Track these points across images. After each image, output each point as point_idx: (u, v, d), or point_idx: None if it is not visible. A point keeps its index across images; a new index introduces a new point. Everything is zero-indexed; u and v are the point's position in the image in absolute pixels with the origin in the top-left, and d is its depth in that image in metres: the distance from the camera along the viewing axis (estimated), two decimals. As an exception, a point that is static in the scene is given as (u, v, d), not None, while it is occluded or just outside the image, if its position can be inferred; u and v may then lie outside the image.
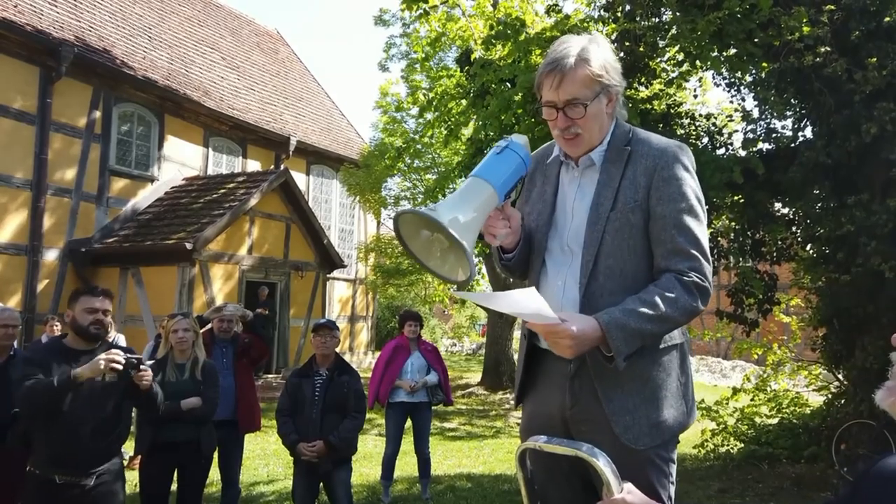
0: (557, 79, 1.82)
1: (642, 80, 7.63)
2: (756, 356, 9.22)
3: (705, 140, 8.06)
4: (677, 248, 1.81)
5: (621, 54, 7.09)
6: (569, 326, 1.66)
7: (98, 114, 12.55)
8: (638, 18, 7.19)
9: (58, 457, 3.26)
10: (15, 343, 4.46)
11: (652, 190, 1.85)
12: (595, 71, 1.83)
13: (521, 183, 1.88)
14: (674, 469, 1.89)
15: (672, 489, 1.87)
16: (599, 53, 1.86)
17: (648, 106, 7.52)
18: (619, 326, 1.70)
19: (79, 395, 3.23)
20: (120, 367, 3.18)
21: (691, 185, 1.87)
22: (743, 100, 8.44)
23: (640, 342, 1.75)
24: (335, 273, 16.54)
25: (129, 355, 3.29)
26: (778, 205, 8.15)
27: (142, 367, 3.34)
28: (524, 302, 1.62)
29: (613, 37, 7.30)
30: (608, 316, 1.72)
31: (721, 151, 7.89)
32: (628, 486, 1.42)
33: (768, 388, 8.58)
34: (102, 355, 3.20)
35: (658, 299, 1.75)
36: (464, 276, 1.76)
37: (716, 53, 7.01)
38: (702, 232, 1.85)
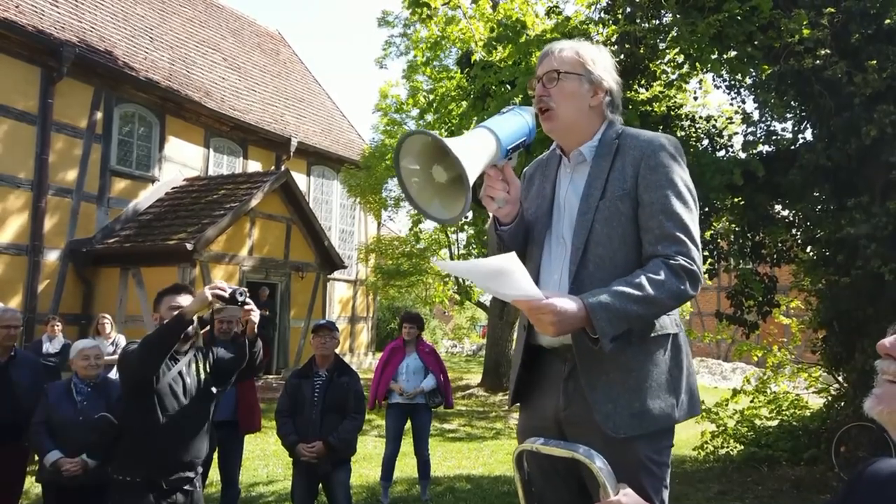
0: (546, 58, 1.96)
1: (642, 82, 7.64)
2: (756, 358, 9.21)
3: (705, 142, 8.07)
4: (665, 233, 1.81)
5: (621, 56, 7.10)
6: (552, 303, 1.65)
7: (99, 114, 12.56)
8: (638, 20, 7.18)
9: (165, 459, 3.10)
10: (15, 343, 4.49)
11: (639, 179, 1.86)
12: (581, 54, 1.94)
13: (525, 147, 1.88)
14: (667, 474, 1.86)
15: (665, 493, 1.85)
16: (592, 49, 1.97)
17: (648, 108, 7.53)
18: (604, 307, 1.69)
19: (184, 392, 3.18)
20: (226, 294, 3.11)
21: (678, 172, 1.87)
22: (743, 102, 8.46)
23: (626, 324, 1.73)
24: (335, 274, 16.54)
25: (234, 286, 3.19)
26: (778, 207, 8.15)
27: (247, 300, 3.23)
28: (507, 279, 1.60)
29: (614, 39, 7.30)
30: (592, 296, 1.71)
31: (721, 153, 7.90)
32: (625, 489, 1.42)
33: (768, 390, 8.56)
34: (207, 287, 3.14)
35: (644, 281, 1.74)
36: (450, 215, 1.73)
37: (716, 56, 7.01)
38: (690, 217, 1.84)
